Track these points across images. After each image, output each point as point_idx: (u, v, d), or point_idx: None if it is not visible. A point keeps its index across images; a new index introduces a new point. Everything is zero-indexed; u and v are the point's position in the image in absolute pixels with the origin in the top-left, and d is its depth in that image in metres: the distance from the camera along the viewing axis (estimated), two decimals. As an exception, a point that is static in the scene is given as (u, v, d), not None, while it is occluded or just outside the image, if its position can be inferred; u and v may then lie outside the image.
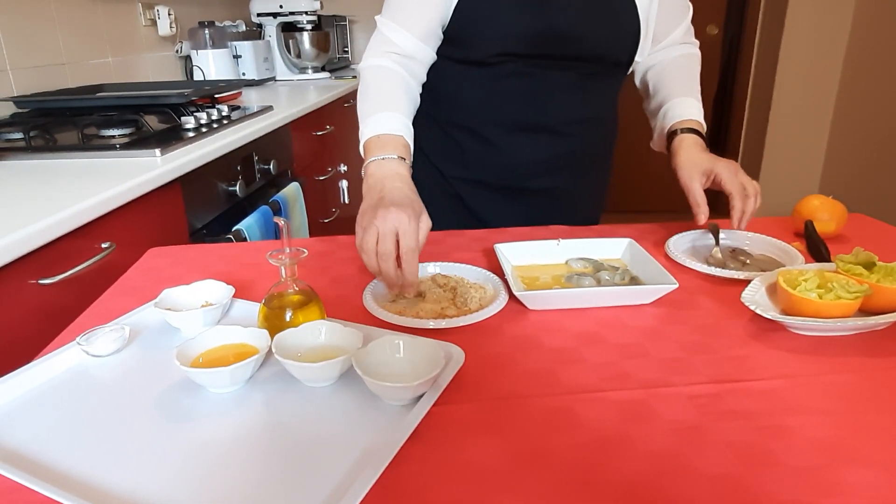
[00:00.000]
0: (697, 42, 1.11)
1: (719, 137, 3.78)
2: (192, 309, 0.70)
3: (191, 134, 1.41)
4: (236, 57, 2.55)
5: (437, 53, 1.00)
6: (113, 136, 1.38)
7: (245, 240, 1.37)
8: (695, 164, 0.92)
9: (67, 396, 0.59)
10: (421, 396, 0.55)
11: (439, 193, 1.10)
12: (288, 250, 0.65)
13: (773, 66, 3.22)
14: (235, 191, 1.49)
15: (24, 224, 0.84)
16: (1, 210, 0.93)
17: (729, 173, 0.90)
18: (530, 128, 1.00)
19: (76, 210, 0.92)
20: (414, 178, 0.84)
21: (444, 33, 0.98)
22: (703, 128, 1.00)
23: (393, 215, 0.72)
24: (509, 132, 1.02)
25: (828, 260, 0.83)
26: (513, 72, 0.95)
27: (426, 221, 0.75)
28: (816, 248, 0.87)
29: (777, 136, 3.32)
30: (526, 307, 0.74)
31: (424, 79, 1.00)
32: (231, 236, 1.35)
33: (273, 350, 0.59)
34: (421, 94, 0.98)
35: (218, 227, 1.40)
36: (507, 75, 0.97)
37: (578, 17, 0.94)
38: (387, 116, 0.87)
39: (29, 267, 0.85)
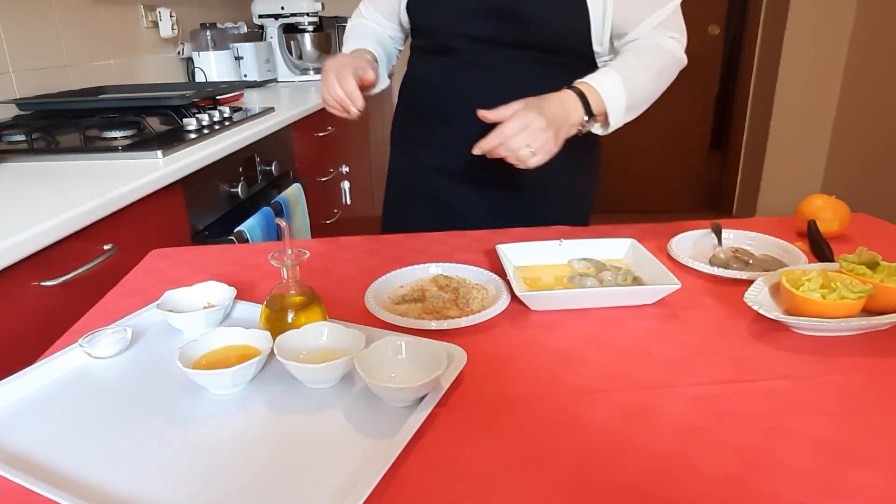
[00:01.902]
0: (679, 38, 0.99)
1: (721, 137, 3.77)
2: (194, 310, 0.70)
3: (192, 135, 1.41)
4: (238, 58, 2.55)
5: (411, 47, 1.13)
6: (115, 138, 1.38)
7: (247, 241, 1.37)
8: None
9: (69, 398, 0.59)
10: (423, 397, 0.55)
11: (412, 183, 1.17)
12: (290, 251, 0.65)
13: (774, 66, 3.22)
14: (237, 192, 1.49)
15: (26, 226, 0.84)
16: (3, 212, 0.93)
17: (525, 103, 0.84)
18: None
19: (78, 212, 0.92)
20: (391, 166, 1.09)
21: (409, 20, 1.08)
22: (598, 94, 0.90)
23: (332, 60, 0.96)
24: (471, 119, 0.98)
25: (831, 260, 0.83)
26: (470, 59, 0.98)
27: (361, 60, 0.98)
28: (819, 248, 0.87)
29: (779, 135, 3.32)
30: (528, 308, 0.74)
31: (395, 52, 1.17)
32: (233, 238, 1.35)
33: (275, 351, 0.59)
34: (401, 88, 1.10)
35: (220, 229, 1.40)
36: (466, 62, 1.00)
37: None
38: (357, 45, 1.10)
39: (31, 269, 0.85)
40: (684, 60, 0.99)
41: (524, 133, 0.82)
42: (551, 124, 0.84)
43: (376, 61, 1.08)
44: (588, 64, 1.02)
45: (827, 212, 0.93)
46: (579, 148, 1.06)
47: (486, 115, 0.86)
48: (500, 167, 1.00)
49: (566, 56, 1.00)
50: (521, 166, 0.85)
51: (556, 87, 0.92)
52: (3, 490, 0.47)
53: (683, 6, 1.01)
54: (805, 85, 3.20)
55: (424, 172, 1.15)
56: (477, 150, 0.85)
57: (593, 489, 0.46)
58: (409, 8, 1.05)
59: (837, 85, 3.19)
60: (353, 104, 0.92)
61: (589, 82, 0.91)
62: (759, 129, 3.41)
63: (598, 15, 0.96)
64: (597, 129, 0.97)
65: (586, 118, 0.90)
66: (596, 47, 1.00)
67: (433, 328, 0.68)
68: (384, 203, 1.26)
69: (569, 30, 0.97)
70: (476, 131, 0.97)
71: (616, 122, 0.94)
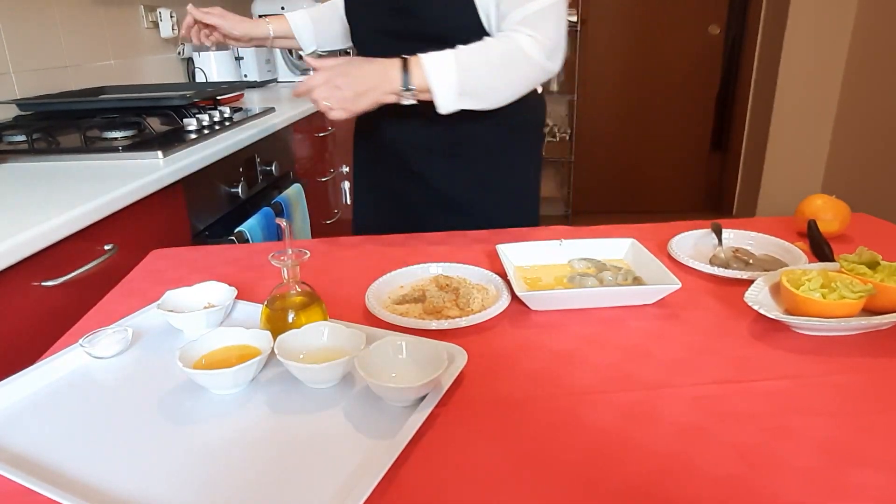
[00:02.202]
0: (539, 39, 0.93)
1: (721, 137, 3.77)
2: (194, 310, 0.70)
3: (193, 136, 1.41)
4: (238, 59, 2.55)
5: None
6: (115, 139, 1.38)
7: (247, 241, 1.37)
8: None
9: (70, 398, 0.59)
10: (424, 397, 0.55)
11: (361, 179, 1.27)
12: (290, 251, 0.65)
13: (775, 66, 3.22)
14: (237, 192, 1.49)
15: (27, 226, 0.84)
16: (4, 213, 0.93)
17: (348, 61, 0.92)
18: (399, 108, 0.97)
19: (79, 212, 0.92)
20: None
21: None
22: (423, 70, 0.91)
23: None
24: (393, 110, 1.01)
25: (831, 259, 0.83)
26: (380, 54, 0.96)
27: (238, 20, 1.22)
28: (820, 248, 0.87)
29: (779, 135, 3.32)
30: (528, 308, 0.74)
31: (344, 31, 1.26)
32: (233, 238, 1.35)
33: (276, 351, 0.59)
34: None
35: (220, 229, 1.40)
36: (381, 55, 0.99)
37: None
38: (299, 10, 1.29)
39: (32, 269, 0.85)
40: (540, 62, 0.94)
41: (325, 87, 0.89)
42: (355, 85, 0.90)
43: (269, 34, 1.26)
44: None
45: (827, 212, 0.93)
46: (492, 144, 1.10)
47: (310, 62, 0.94)
48: (416, 160, 1.12)
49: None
50: (330, 116, 0.92)
51: None
52: (4, 490, 0.47)
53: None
54: (805, 85, 3.20)
55: (365, 167, 1.25)
56: (294, 93, 0.95)
57: (594, 489, 0.46)
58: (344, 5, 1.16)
59: (838, 85, 3.19)
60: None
61: (421, 57, 0.92)
62: (760, 130, 3.41)
63: (484, 7, 0.96)
64: (440, 107, 0.95)
65: (404, 89, 0.92)
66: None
67: (434, 328, 0.68)
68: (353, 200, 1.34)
69: (459, 22, 0.98)
70: (398, 125, 1.10)
71: (445, 103, 0.93)
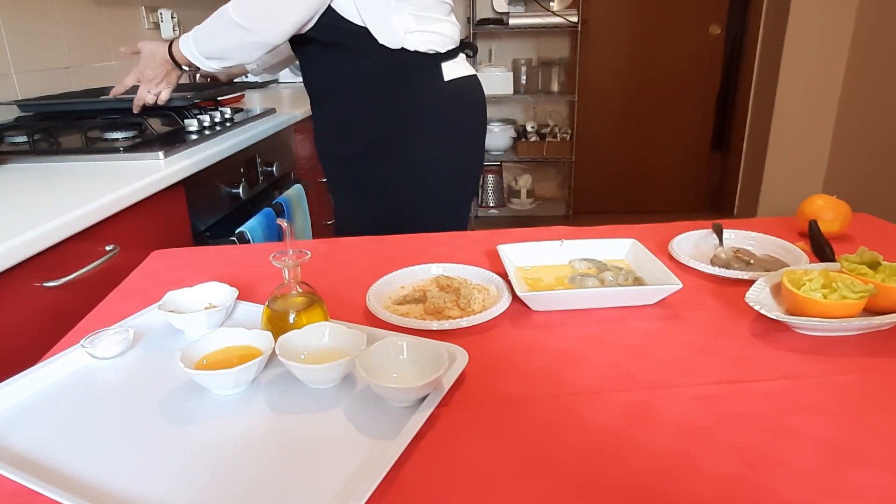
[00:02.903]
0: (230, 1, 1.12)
1: (722, 137, 3.77)
2: (195, 311, 0.70)
3: (194, 136, 1.41)
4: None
5: None
6: (116, 139, 1.38)
7: (248, 242, 1.37)
8: None
9: (72, 399, 0.60)
10: (425, 398, 0.55)
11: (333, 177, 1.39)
12: (291, 252, 0.65)
13: (776, 66, 3.22)
14: (238, 193, 1.49)
15: (28, 227, 0.85)
16: (6, 213, 0.93)
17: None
18: (310, 94, 1.27)
19: (80, 213, 0.92)
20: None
21: None
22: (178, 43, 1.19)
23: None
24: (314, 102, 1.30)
25: (832, 260, 0.83)
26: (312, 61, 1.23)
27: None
28: (821, 248, 0.87)
29: (780, 135, 3.31)
30: (529, 308, 0.74)
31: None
32: (234, 238, 1.35)
33: (277, 352, 0.59)
34: None
35: (221, 230, 1.40)
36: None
37: None
38: None
39: (33, 269, 0.85)
40: (233, 19, 1.08)
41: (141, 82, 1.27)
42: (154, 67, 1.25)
43: None
44: (367, 43, 1.12)
45: (828, 212, 0.93)
46: (389, 123, 1.20)
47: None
48: (330, 143, 1.30)
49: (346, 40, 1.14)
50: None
51: (333, 66, 1.17)
52: (5, 491, 0.47)
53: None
54: (806, 85, 3.20)
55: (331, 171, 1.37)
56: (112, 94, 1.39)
57: (594, 489, 0.46)
58: None
59: (839, 85, 3.18)
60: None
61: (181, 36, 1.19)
62: (761, 129, 3.41)
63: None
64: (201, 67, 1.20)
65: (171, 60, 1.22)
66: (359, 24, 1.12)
67: (434, 328, 0.68)
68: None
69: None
70: (315, 111, 1.31)
71: (200, 65, 1.18)
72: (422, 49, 1.15)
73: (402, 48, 1.13)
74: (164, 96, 1.28)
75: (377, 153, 1.22)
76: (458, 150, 1.25)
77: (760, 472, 0.47)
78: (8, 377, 0.60)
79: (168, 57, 1.19)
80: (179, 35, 1.21)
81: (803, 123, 3.26)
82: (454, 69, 1.22)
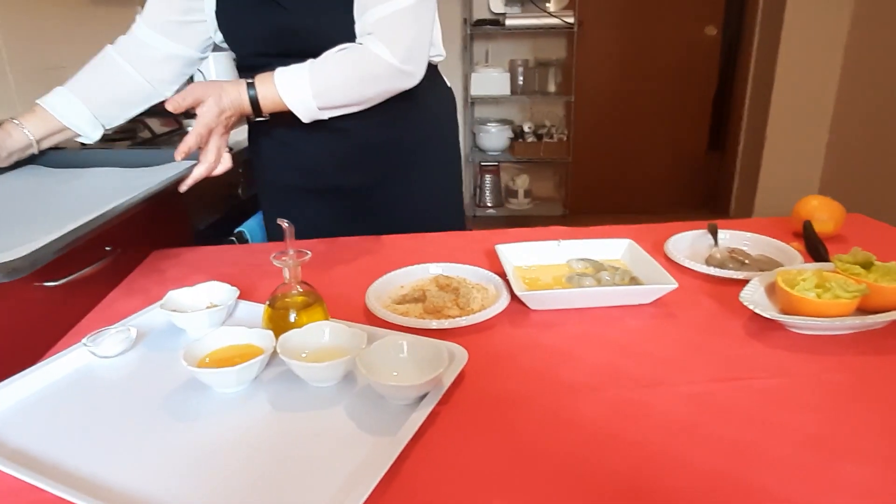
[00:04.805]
0: (391, 42, 0.91)
1: (718, 138, 3.79)
2: (197, 310, 0.71)
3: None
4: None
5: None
6: (115, 140, 1.38)
7: (247, 241, 1.38)
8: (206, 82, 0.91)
9: (75, 397, 0.60)
10: (424, 395, 0.55)
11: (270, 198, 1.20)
12: (292, 252, 0.66)
13: (771, 67, 3.23)
14: (237, 193, 1.50)
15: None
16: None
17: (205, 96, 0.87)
18: (307, 126, 0.95)
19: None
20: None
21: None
22: (274, 86, 0.90)
23: None
24: (292, 130, 1.01)
25: (826, 260, 0.84)
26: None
27: None
28: (815, 248, 0.88)
29: (776, 136, 3.33)
30: (527, 307, 0.75)
31: (171, 65, 1.09)
32: (233, 238, 1.35)
33: (278, 351, 0.59)
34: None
35: (220, 229, 1.40)
36: None
37: (306, 13, 0.95)
38: (55, 90, 1.06)
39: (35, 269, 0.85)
40: (394, 65, 0.91)
41: (214, 106, 0.87)
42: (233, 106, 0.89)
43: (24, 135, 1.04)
44: None
45: (823, 212, 0.94)
46: (409, 150, 1.09)
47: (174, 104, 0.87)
48: (330, 176, 1.08)
49: None
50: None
51: None
52: (8, 487, 0.48)
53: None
54: (802, 86, 3.22)
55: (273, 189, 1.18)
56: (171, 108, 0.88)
57: (590, 483, 0.47)
58: (220, 27, 1.03)
59: (834, 86, 3.20)
60: None
61: (274, 74, 0.90)
62: (757, 130, 3.42)
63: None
64: (303, 119, 0.93)
65: (254, 107, 0.91)
66: None
67: (434, 327, 0.69)
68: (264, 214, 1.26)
69: (341, 37, 0.94)
70: (301, 144, 1.05)
71: (305, 115, 0.92)
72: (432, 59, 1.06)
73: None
74: (229, 163, 0.94)
75: (399, 177, 1.10)
76: (458, 153, 1.22)
77: (751, 466, 0.48)
78: (9, 373, 0.61)
79: (245, 104, 0.90)
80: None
81: (799, 124, 3.28)
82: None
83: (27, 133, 1.04)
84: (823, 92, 3.22)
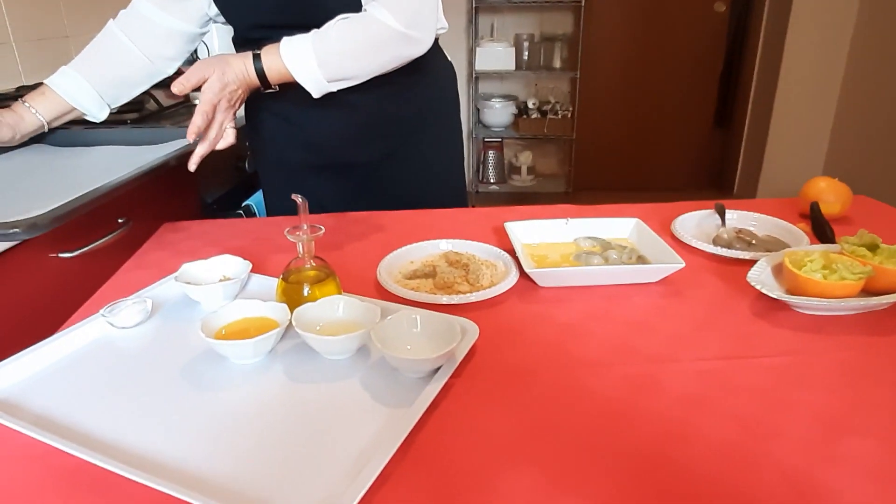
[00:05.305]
0: (394, 7, 0.89)
1: (724, 117, 3.76)
2: (211, 283, 0.72)
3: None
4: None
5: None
6: (123, 112, 1.38)
7: (254, 215, 1.38)
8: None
9: (94, 366, 0.62)
10: (438, 369, 0.57)
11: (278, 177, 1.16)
12: (305, 227, 0.67)
13: (780, 44, 3.19)
14: (244, 166, 1.50)
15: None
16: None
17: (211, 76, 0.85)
18: (311, 101, 0.93)
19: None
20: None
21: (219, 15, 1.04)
22: (280, 59, 0.88)
23: None
24: (296, 107, 1.02)
25: (832, 241, 0.85)
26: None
27: None
28: (821, 230, 0.88)
29: (783, 114, 3.31)
30: (536, 284, 0.76)
31: (173, 41, 1.07)
32: (241, 211, 1.36)
33: (293, 324, 0.60)
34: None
35: (227, 203, 1.41)
36: None
37: None
38: (61, 70, 1.04)
39: (49, 241, 0.86)
40: (399, 30, 0.89)
41: (217, 83, 0.86)
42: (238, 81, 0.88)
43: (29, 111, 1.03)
44: None
45: (829, 194, 0.94)
46: (416, 125, 1.08)
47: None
48: (338, 152, 1.05)
49: None
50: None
51: None
52: (33, 452, 0.49)
53: None
54: (810, 64, 3.18)
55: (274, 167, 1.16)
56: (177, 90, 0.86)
57: (600, 453, 0.48)
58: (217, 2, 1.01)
59: (842, 66, 3.17)
60: None
61: (279, 45, 0.88)
62: (763, 108, 3.40)
63: None
64: (312, 93, 0.91)
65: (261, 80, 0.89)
66: None
67: (444, 302, 0.70)
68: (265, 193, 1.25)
69: (344, 8, 0.91)
70: (309, 121, 1.02)
71: (315, 87, 0.90)
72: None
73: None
74: (231, 139, 0.92)
75: (404, 153, 1.10)
76: (460, 128, 1.21)
77: (758, 439, 0.49)
78: (28, 342, 0.62)
79: (252, 77, 0.88)
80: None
81: (806, 103, 3.26)
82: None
83: (38, 116, 1.04)
84: (831, 71, 3.19)
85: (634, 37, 3.49)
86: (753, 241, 0.88)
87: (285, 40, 0.89)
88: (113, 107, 1.09)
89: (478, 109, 3.59)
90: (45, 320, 0.70)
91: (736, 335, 0.65)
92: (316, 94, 0.92)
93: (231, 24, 1.03)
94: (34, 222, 0.70)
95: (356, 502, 0.42)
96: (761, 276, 0.72)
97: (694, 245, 0.86)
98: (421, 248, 0.85)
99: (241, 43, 1.05)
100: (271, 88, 0.92)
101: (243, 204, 1.38)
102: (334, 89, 0.92)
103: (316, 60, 0.88)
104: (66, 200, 0.78)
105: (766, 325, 0.67)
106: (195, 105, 0.87)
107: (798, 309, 0.69)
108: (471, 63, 3.37)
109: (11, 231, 0.69)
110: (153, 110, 1.40)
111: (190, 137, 0.86)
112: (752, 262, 0.76)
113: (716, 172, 3.83)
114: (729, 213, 0.95)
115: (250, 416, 0.53)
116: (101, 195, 0.82)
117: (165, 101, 1.45)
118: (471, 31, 3.36)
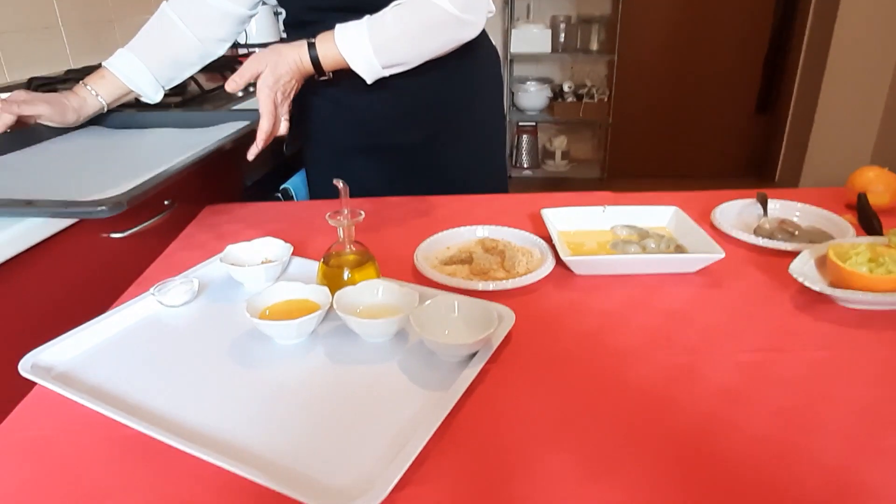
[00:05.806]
0: None
1: (767, 102, 3.64)
2: (254, 265, 0.74)
3: (240, 92, 1.44)
4: (276, 13, 2.55)
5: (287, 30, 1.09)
6: (168, 97, 1.41)
7: (292, 198, 1.41)
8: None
9: (145, 342, 0.64)
10: (475, 354, 0.58)
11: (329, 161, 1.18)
12: (346, 212, 0.68)
13: (829, 26, 3.07)
14: (282, 150, 1.52)
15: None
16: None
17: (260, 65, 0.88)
18: (361, 84, 0.94)
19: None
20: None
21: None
22: (335, 45, 0.89)
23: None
24: (346, 89, 1.02)
25: (880, 233, 0.82)
26: (324, 29, 0.92)
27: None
28: (868, 221, 0.86)
29: (830, 101, 3.19)
30: (572, 272, 0.76)
31: (224, 22, 1.09)
32: (279, 194, 1.39)
33: (335, 306, 0.62)
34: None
35: (265, 186, 1.43)
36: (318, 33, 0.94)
37: None
38: (119, 53, 1.09)
39: (101, 222, 0.90)
40: (454, 14, 0.89)
41: (271, 77, 0.89)
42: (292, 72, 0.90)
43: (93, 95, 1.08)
44: None
45: (878, 184, 0.92)
46: (460, 108, 1.08)
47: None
48: (386, 133, 1.07)
49: None
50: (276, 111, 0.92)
51: None
52: (86, 420, 0.52)
53: None
54: (861, 48, 3.05)
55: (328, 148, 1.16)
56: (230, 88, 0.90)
57: (635, 442, 0.49)
58: None
59: (894, 50, 3.03)
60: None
61: (334, 32, 0.89)
62: (809, 94, 3.28)
63: None
64: (366, 79, 0.93)
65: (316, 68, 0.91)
66: None
67: (480, 289, 0.71)
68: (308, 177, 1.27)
69: None
70: (358, 103, 1.03)
71: (369, 74, 0.92)
72: None
73: None
74: (285, 129, 0.95)
75: (448, 134, 1.11)
76: (502, 112, 1.22)
77: (798, 433, 0.49)
78: (82, 318, 0.65)
79: (307, 65, 0.90)
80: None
81: (855, 88, 3.13)
82: None
83: (99, 99, 1.09)
84: (884, 53, 3.06)
85: (674, 18, 3.40)
86: (796, 232, 0.86)
87: (339, 27, 0.90)
88: (166, 88, 1.14)
89: (512, 93, 3.56)
90: (98, 296, 0.74)
91: (776, 328, 0.64)
92: (370, 80, 0.93)
93: (284, 6, 1.05)
94: (117, 201, 0.77)
95: (396, 481, 0.44)
96: (804, 269, 0.71)
97: (734, 235, 0.84)
98: (458, 233, 0.85)
99: (293, 25, 1.06)
100: (325, 76, 0.93)
101: (281, 187, 1.41)
102: (387, 74, 0.93)
103: (372, 48, 0.89)
104: (141, 181, 0.83)
105: (808, 318, 0.66)
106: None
107: (842, 303, 0.67)
108: (506, 45, 3.34)
109: (99, 209, 0.76)
110: (195, 94, 1.43)
111: (261, 145, 0.91)
112: (795, 254, 0.74)
113: (757, 160, 3.73)
114: (771, 203, 0.93)
115: (293, 394, 0.55)
116: (168, 177, 0.86)
117: (207, 85, 1.48)
118: (507, 12, 3.32)
